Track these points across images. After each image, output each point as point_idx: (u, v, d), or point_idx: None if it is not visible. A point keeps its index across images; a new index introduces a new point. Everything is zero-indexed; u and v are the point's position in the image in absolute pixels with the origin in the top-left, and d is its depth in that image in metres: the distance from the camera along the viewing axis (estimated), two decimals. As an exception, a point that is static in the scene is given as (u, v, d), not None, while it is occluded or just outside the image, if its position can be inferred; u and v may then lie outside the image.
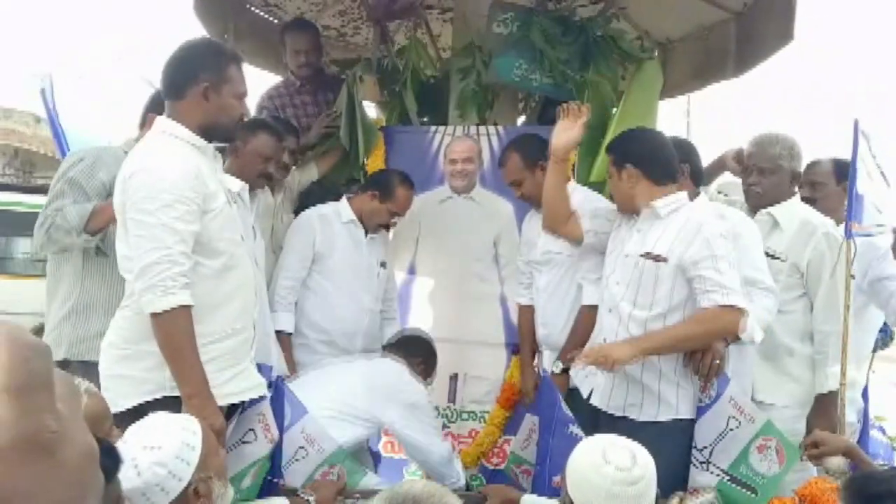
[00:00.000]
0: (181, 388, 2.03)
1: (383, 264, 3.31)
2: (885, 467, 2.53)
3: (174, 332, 2.02)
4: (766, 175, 2.80)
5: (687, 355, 2.40)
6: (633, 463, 1.66)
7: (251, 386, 2.32)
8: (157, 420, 1.62)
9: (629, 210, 2.56)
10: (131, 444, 1.53)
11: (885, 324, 3.30)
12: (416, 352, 3.06)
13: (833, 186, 3.15)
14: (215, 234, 2.16)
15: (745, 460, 2.38)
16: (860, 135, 2.64)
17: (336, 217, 3.22)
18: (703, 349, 2.35)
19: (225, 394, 2.18)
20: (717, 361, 2.35)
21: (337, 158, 3.63)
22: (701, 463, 2.41)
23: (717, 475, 2.39)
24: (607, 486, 1.62)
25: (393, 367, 2.90)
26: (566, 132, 2.63)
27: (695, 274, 2.35)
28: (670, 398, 2.42)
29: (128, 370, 2.10)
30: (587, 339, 2.88)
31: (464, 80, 3.69)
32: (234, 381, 2.23)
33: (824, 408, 2.66)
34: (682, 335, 2.37)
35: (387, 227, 3.28)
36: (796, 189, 2.92)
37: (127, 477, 1.47)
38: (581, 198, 2.85)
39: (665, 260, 2.39)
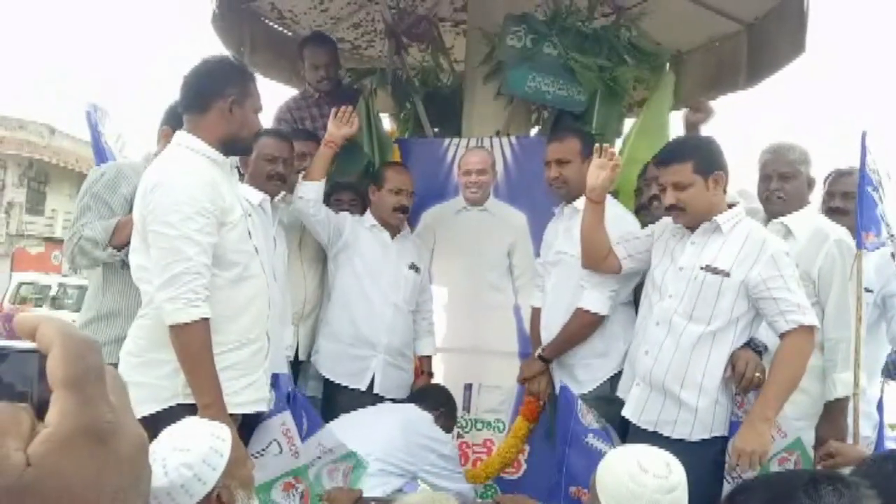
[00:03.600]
0: (198, 398, 2.07)
1: (414, 267, 3.33)
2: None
3: (194, 343, 2.07)
4: (788, 180, 2.79)
5: (731, 369, 2.39)
6: (669, 471, 1.67)
7: (263, 397, 2.36)
8: (190, 424, 1.67)
9: (698, 222, 2.48)
10: (163, 444, 1.58)
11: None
12: (436, 404, 3.08)
13: None
14: (231, 246, 2.21)
15: (765, 471, 2.36)
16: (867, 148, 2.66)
17: (362, 223, 3.30)
18: (745, 362, 2.36)
19: (238, 403, 2.23)
20: (759, 374, 2.35)
21: (359, 172, 3.65)
22: (735, 479, 2.39)
23: None
24: (648, 495, 1.62)
25: (424, 419, 2.96)
26: (598, 174, 2.58)
27: (765, 295, 2.34)
28: (706, 417, 2.40)
29: (144, 378, 2.14)
30: (575, 342, 2.91)
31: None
32: (248, 391, 2.26)
33: (832, 415, 2.65)
34: (793, 376, 2.31)
35: (403, 210, 3.28)
36: (810, 198, 2.92)
37: (154, 475, 1.52)
38: (610, 217, 2.76)
39: (728, 274, 2.37)
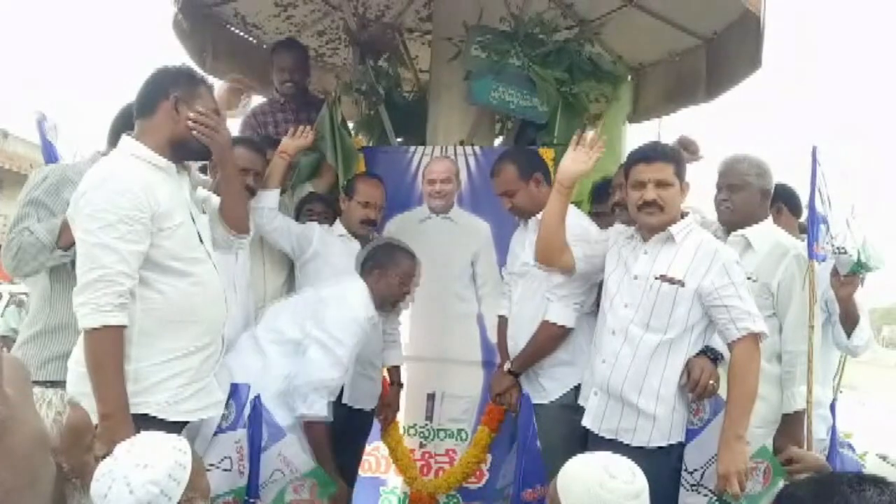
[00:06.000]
0: (98, 406, 2.02)
1: None
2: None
3: (100, 350, 2.04)
4: (736, 191, 2.86)
5: (686, 376, 2.42)
6: (634, 476, 1.71)
7: (212, 403, 2.34)
8: (148, 439, 1.63)
9: (666, 226, 2.49)
10: (122, 461, 1.53)
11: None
12: (369, 261, 2.96)
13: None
14: (172, 252, 2.17)
15: None
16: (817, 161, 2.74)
17: (331, 232, 3.27)
18: (700, 370, 2.39)
19: (186, 410, 2.21)
20: (713, 381, 2.39)
21: (332, 179, 3.60)
22: (691, 486, 2.42)
23: (706, 495, 2.39)
24: (616, 500, 1.64)
25: (352, 286, 2.89)
26: (578, 163, 2.56)
27: (717, 303, 2.37)
28: (664, 424, 2.43)
29: (89, 388, 2.07)
30: (542, 354, 2.90)
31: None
32: (196, 398, 2.25)
33: (791, 427, 2.70)
34: (751, 387, 2.34)
35: (370, 223, 3.25)
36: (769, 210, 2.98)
37: (119, 495, 1.48)
38: (568, 220, 2.75)
39: (683, 284, 2.41)
